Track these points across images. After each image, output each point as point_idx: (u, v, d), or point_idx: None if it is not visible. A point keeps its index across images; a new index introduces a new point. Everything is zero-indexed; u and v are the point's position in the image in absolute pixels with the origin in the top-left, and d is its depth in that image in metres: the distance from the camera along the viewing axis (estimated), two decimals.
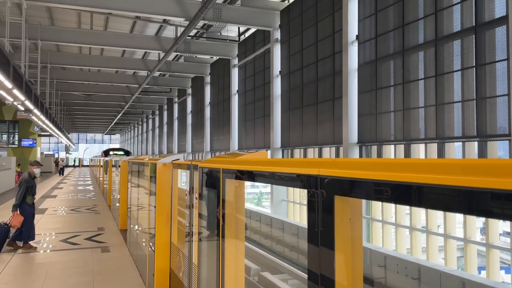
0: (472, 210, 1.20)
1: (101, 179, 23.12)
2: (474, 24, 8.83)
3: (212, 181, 3.23)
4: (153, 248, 5.73)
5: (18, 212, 8.47)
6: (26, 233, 8.65)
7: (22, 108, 15.36)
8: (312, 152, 15.28)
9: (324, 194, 1.69)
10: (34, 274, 7.03)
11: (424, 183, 1.29)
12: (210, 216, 3.40)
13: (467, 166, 1.22)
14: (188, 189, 4.39)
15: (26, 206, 8.63)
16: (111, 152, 35.57)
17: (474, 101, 8.77)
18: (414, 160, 1.57)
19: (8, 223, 8.60)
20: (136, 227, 8.05)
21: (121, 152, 35.78)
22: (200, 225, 3.81)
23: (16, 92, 11.51)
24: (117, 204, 11.92)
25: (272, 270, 9.42)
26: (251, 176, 2.41)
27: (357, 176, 1.56)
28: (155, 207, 5.59)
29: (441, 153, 9.73)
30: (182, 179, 10.93)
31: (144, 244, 6.84)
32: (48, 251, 8.63)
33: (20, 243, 8.72)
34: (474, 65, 8.82)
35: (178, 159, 5.42)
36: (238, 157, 2.82)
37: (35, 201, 9.06)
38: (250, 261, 9.14)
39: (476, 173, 1.13)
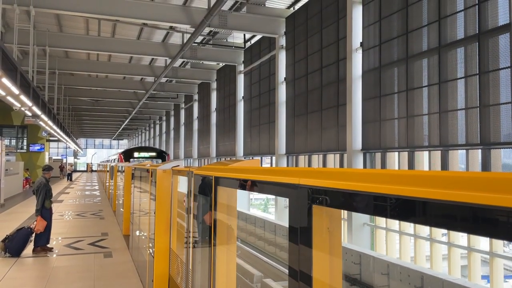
0: (446, 224, 1.19)
1: (107, 184, 23.27)
2: (477, 32, 8.82)
3: (204, 187, 3.26)
4: (153, 254, 5.76)
5: (41, 216, 8.64)
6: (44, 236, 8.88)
7: (30, 114, 15.54)
8: (316, 159, 15.27)
9: (302, 203, 1.71)
10: (36, 279, 7.09)
11: (401, 195, 1.29)
12: (203, 223, 3.43)
13: (440, 178, 1.23)
14: (186, 196, 4.43)
15: (44, 210, 8.79)
16: (136, 154, 23.13)
17: (478, 108, 8.73)
18: (395, 171, 1.58)
19: (32, 227, 8.76)
20: (138, 232, 8.10)
21: (152, 153, 23.78)
22: (194, 231, 3.84)
23: (23, 98, 11.66)
24: (121, 209, 12.00)
25: (275, 277, 9.41)
26: (238, 183, 2.44)
27: (335, 186, 1.58)
28: (155, 213, 5.63)
29: (444, 160, 9.69)
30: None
31: (144, 250, 6.89)
32: (54, 255, 8.71)
33: (49, 246, 9.00)
34: (477, 72, 8.79)
35: (178, 165, 5.46)
36: (228, 165, 2.86)
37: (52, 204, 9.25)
38: (253, 267, 9.14)
39: (452, 187, 1.12)
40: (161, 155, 23.98)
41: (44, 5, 13.82)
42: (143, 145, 59.33)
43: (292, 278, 1.79)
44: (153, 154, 23.54)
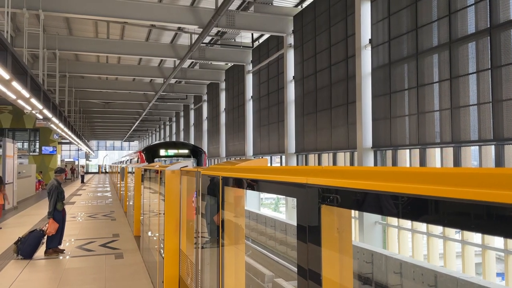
0: (466, 225, 1.13)
1: (118, 185, 23.41)
2: (489, 26, 8.66)
3: (213, 187, 3.23)
4: (163, 255, 5.75)
5: (53, 219, 8.70)
6: (56, 238, 8.96)
7: (41, 117, 15.69)
8: (326, 157, 15.17)
9: (310, 202, 1.66)
10: (49, 281, 7.13)
11: (412, 194, 1.23)
12: (211, 223, 3.40)
13: (455, 175, 1.17)
14: (195, 196, 4.40)
15: (56, 212, 8.85)
16: (162, 152, 17.15)
17: (490, 104, 8.58)
18: (405, 168, 1.53)
19: (44, 229, 8.83)
20: (148, 233, 8.11)
21: (183, 151, 17.41)
22: (203, 232, 3.81)
23: (34, 101, 11.76)
24: (132, 211, 12.04)
25: (286, 276, 9.36)
26: (245, 183, 2.40)
27: (343, 185, 1.53)
28: (164, 214, 5.62)
29: (457, 157, 9.54)
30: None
31: (155, 251, 6.88)
32: (67, 257, 8.76)
33: (60, 247, 9.07)
34: (489, 67, 8.64)
35: (187, 166, 5.44)
36: (236, 165, 2.82)
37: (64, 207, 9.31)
38: (264, 267, 9.10)
39: (468, 184, 1.06)
40: (196, 153, 17.17)
41: (53, 8, 13.94)
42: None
43: (302, 278, 1.74)
44: (185, 151, 16.80)
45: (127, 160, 25.94)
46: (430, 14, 10.19)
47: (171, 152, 16.78)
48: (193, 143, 28.69)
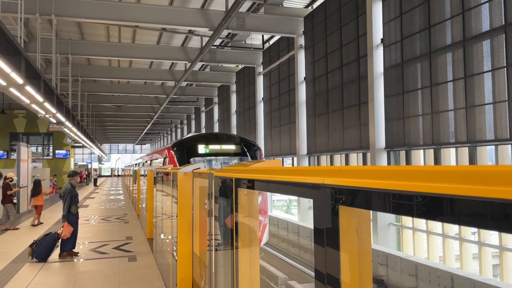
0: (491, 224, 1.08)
1: (131, 188, 23.56)
2: (503, 23, 8.51)
3: (225, 189, 3.19)
4: (176, 257, 5.73)
5: (68, 222, 8.76)
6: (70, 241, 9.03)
7: (54, 121, 15.85)
8: (339, 158, 15.05)
9: (328, 203, 1.61)
10: (63, 283, 7.17)
11: (435, 192, 1.18)
12: (224, 225, 3.36)
13: (471, 173, 1.11)
14: (207, 198, 4.37)
15: (70, 216, 8.91)
16: (201, 149, 11.64)
17: (506, 102, 8.42)
18: (425, 167, 1.48)
19: (58, 233, 8.91)
20: (162, 236, 8.11)
21: (230, 146, 12.08)
22: (216, 234, 3.78)
23: (47, 105, 11.88)
24: (145, 213, 12.07)
25: (299, 278, 9.29)
26: (259, 184, 2.36)
27: (362, 185, 1.48)
28: (177, 216, 5.60)
29: (472, 157, 9.37)
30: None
31: (168, 253, 6.87)
32: (81, 260, 8.81)
33: (74, 250, 9.13)
34: (505, 65, 8.48)
35: (199, 168, 5.42)
36: (249, 166, 2.78)
37: (78, 210, 9.38)
38: (278, 269, 9.04)
39: (486, 182, 1.01)
40: (250, 150, 11.89)
41: (66, 13, 14.09)
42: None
43: (319, 282, 1.69)
44: (235, 148, 11.90)
45: (144, 162, 21.14)
46: (443, 12, 10.05)
47: (215, 148, 11.47)
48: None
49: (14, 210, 13.76)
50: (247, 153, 11.54)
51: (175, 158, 11.02)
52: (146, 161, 19.70)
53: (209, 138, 12.26)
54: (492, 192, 0.94)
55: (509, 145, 8.57)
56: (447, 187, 1.10)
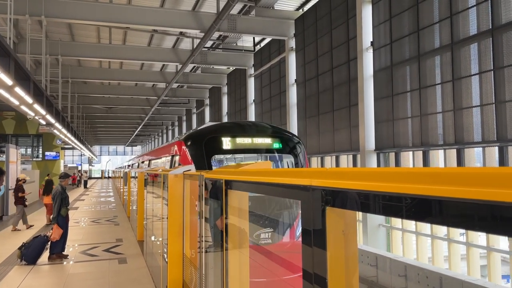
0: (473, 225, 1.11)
1: (121, 190, 23.44)
2: (490, 27, 8.64)
3: (216, 191, 3.22)
4: (166, 259, 5.74)
5: (57, 225, 8.70)
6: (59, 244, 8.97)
7: (44, 122, 15.74)
8: (329, 160, 15.14)
9: (315, 205, 1.65)
10: (52, 286, 7.12)
11: (421, 194, 1.21)
12: (215, 227, 3.39)
13: (463, 175, 1.15)
14: (198, 200, 4.39)
15: (60, 218, 8.85)
16: (225, 144, 7.92)
17: (494, 105, 8.55)
18: (412, 169, 1.52)
19: (48, 235, 8.84)
20: (152, 238, 8.09)
21: (264, 140, 8.20)
22: (207, 236, 3.80)
23: (37, 106, 11.79)
24: (135, 215, 12.04)
25: None
26: (249, 186, 2.40)
27: (348, 187, 1.51)
28: (168, 218, 5.61)
29: (460, 159, 9.50)
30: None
31: (158, 255, 6.87)
32: (70, 262, 8.75)
33: (63, 253, 9.08)
34: (492, 68, 8.62)
35: (190, 169, 5.43)
36: (239, 168, 2.81)
37: (68, 212, 9.33)
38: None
39: (472, 184, 1.04)
40: (292, 147, 8.62)
41: (56, 14, 14.00)
42: None
43: (307, 281, 1.73)
44: (268, 141, 8.34)
45: (139, 162, 17.37)
46: (432, 16, 10.19)
47: (245, 142, 8.20)
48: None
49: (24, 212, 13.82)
50: (289, 149, 8.33)
51: (190, 156, 7.81)
52: (142, 162, 16.03)
53: (237, 128, 8.47)
54: (478, 193, 0.96)
55: (496, 147, 8.70)
56: (433, 188, 1.13)
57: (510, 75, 8.27)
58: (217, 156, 8.03)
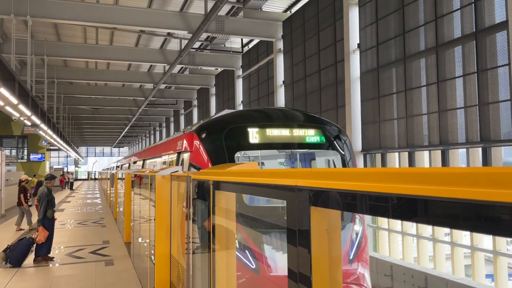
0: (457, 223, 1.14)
1: (108, 192, 23.24)
2: (474, 30, 8.80)
3: (203, 192, 3.23)
4: (153, 261, 5.73)
5: (43, 227, 8.60)
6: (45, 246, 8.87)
7: (29, 123, 15.55)
8: None
9: (301, 204, 1.68)
10: None
11: (400, 193, 1.25)
12: (202, 228, 3.40)
13: (443, 175, 1.18)
14: (185, 201, 4.40)
15: (46, 220, 8.75)
16: (255, 136, 5.91)
17: (477, 106, 8.71)
18: (393, 169, 1.56)
19: (33, 237, 8.73)
20: (139, 239, 8.06)
21: (306, 132, 6.14)
22: (194, 237, 3.81)
23: (22, 107, 11.66)
24: (122, 217, 11.96)
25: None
26: (236, 187, 2.42)
27: (332, 187, 1.55)
28: (155, 219, 5.60)
29: (445, 159, 9.65)
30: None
31: (145, 257, 6.85)
32: (56, 265, 8.66)
33: (50, 256, 9.00)
34: (475, 70, 8.77)
35: (177, 171, 5.43)
36: (226, 169, 2.83)
37: (54, 214, 9.23)
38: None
39: (454, 183, 1.08)
40: (339, 142, 6.46)
41: (41, 14, 13.84)
42: None
43: (292, 280, 1.76)
44: (310, 133, 6.22)
45: (131, 163, 15.70)
46: (417, 18, 10.33)
47: (279, 135, 6.27)
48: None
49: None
50: (335, 144, 6.39)
51: (206, 153, 5.93)
52: (134, 162, 14.19)
53: (268, 116, 6.61)
54: (462, 193, 0.99)
55: (480, 148, 8.86)
56: (417, 188, 1.16)
57: (493, 77, 8.43)
58: (241, 153, 6.42)
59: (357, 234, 5.70)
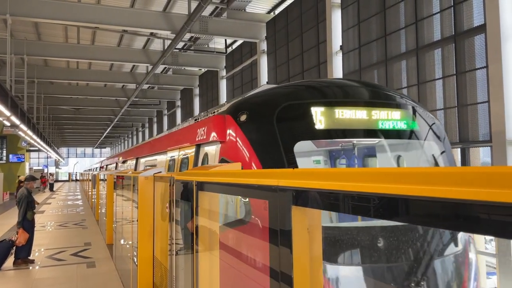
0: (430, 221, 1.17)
1: (89, 193, 22.95)
2: (453, 33, 8.99)
3: (187, 193, 3.24)
4: (136, 262, 5.69)
5: (23, 229, 8.45)
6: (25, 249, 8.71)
7: (8, 124, 15.25)
8: None
9: (282, 204, 1.72)
10: None
11: (380, 193, 1.28)
12: (185, 229, 3.40)
13: (423, 175, 1.21)
14: (168, 202, 4.39)
15: (26, 222, 8.60)
16: (329, 116, 4.00)
17: (456, 108, 8.90)
18: (373, 169, 1.60)
19: (13, 239, 8.56)
20: (122, 241, 7.99)
21: (399, 114, 4.28)
22: (177, 238, 3.81)
23: (1, 107, 11.43)
24: (104, 218, 11.83)
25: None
26: (219, 187, 2.44)
27: (313, 187, 1.58)
28: (138, 220, 5.57)
29: None
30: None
31: (128, 258, 6.80)
32: (36, 267, 8.52)
33: (30, 258, 8.84)
34: (454, 73, 8.96)
35: (160, 172, 5.42)
36: (209, 170, 2.85)
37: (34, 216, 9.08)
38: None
39: (433, 183, 1.11)
40: (437, 133, 4.65)
41: (22, 13, 13.59)
42: None
43: (273, 279, 1.79)
44: (404, 116, 4.34)
45: (123, 161, 13.62)
46: (398, 21, 10.50)
47: (360, 118, 4.11)
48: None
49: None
50: (432, 134, 4.68)
51: (250, 144, 4.05)
52: (123, 162, 12.26)
53: (338, 90, 4.71)
54: (440, 192, 1.02)
55: (459, 149, 9.05)
56: (396, 187, 1.20)
57: (471, 79, 8.63)
58: (301, 145, 4.28)
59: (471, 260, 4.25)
